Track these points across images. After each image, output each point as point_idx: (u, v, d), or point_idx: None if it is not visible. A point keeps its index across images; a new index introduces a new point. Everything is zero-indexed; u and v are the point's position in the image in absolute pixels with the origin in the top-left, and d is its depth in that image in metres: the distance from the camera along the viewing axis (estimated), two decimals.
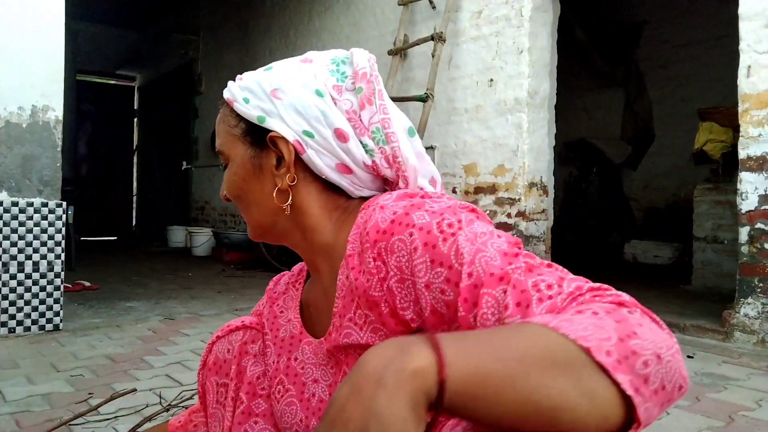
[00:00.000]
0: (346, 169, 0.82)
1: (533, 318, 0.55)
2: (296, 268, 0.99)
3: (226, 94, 0.85)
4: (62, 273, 3.00)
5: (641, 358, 0.49)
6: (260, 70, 0.86)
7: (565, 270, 0.63)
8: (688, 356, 2.64)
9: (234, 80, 0.87)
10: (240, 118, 0.83)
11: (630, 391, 0.48)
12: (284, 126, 0.81)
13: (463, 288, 0.63)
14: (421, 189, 0.84)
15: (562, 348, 0.49)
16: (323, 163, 0.81)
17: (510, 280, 0.61)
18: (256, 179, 0.82)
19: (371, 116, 0.82)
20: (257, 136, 0.82)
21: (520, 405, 0.47)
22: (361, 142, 0.82)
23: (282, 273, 1.02)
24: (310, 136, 0.81)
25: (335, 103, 0.81)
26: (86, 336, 2.88)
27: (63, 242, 3.01)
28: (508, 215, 3.96)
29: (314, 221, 0.83)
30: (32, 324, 2.91)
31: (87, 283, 4.37)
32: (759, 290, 2.86)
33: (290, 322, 0.91)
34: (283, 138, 0.80)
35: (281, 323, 0.93)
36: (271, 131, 0.81)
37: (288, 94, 0.81)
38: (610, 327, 0.51)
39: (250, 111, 0.82)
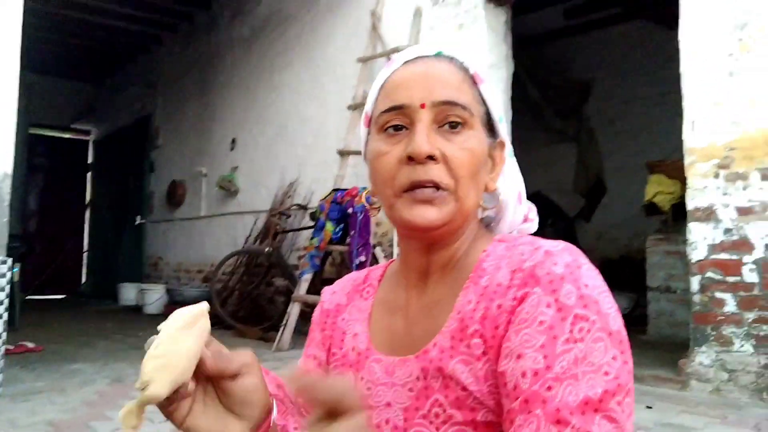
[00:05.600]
0: (519, 198, 0.81)
1: None
2: (360, 274, 0.89)
3: (468, 62, 0.76)
4: (4, 334, 2.85)
5: None
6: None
7: None
8: (647, 407, 2.64)
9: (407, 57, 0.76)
10: (482, 100, 0.75)
11: None
12: (505, 134, 0.79)
13: (521, 401, 0.58)
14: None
15: None
16: (509, 187, 0.80)
17: None
18: (482, 167, 0.75)
19: None
20: (490, 129, 0.76)
21: None
22: None
23: (331, 288, 0.91)
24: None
25: None
26: (27, 401, 2.72)
27: (6, 301, 2.86)
28: None
29: (470, 232, 0.77)
30: None
31: (30, 344, 4.16)
32: (712, 338, 2.91)
33: (357, 336, 0.80)
34: (502, 145, 0.78)
35: (348, 339, 0.82)
36: (500, 137, 0.78)
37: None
38: None
39: (497, 106, 0.77)
